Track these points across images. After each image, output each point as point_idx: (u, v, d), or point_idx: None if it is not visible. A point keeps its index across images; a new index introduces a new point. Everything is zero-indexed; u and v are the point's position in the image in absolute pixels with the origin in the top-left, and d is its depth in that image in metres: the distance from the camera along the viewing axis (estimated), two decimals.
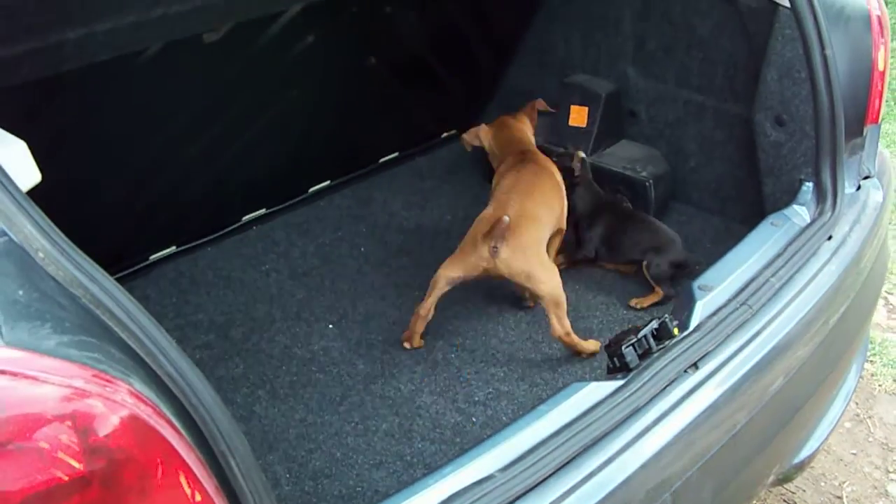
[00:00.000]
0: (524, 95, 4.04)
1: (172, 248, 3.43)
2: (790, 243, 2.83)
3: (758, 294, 2.60)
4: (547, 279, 2.88)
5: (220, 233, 3.51)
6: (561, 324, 2.89)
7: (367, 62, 3.48)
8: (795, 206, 3.03)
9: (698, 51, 3.50)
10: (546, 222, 3.05)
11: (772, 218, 2.96)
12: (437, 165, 4.00)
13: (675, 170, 3.70)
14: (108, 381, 1.41)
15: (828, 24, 2.94)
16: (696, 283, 2.59)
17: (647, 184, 3.49)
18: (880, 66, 3.12)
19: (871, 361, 4.11)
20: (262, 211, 3.62)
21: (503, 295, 3.26)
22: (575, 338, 2.92)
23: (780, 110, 3.14)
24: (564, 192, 3.24)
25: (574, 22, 3.82)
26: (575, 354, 2.97)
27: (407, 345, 3.03)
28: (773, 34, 3.10)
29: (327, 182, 3.79)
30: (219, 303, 3.23)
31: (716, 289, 2.58)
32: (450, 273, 2.93)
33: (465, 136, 3.44)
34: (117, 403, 1.40)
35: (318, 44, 3.17)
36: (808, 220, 2.96)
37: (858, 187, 3.13)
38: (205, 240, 3.47)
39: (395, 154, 3.99)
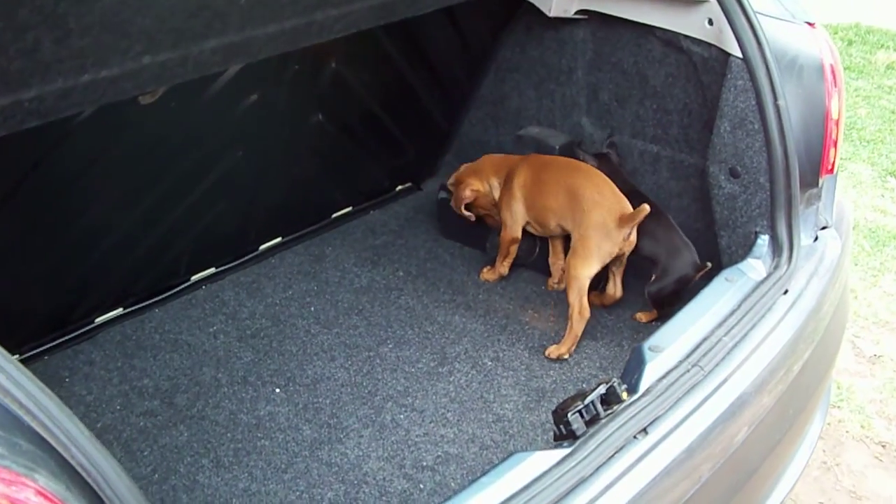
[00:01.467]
0: (480, 147, 4.01)
1: (119, 311, 3.34)
2: (745, 299, 2.78)
3: (710, 354, 2.54)
4: None
5: (168, 294, 3.42)
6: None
7: (315, 119, 3.41)
8: (751, 260, 2.98)
9: (652, 101, 3.46)
10: None
11: (726, 273, 2.90)
12: (391, 220, 3.93)
13: None
14: (11, 479, 1.36)
15: (780, 74, 2.91)
16: (647, 344, 2.53)
17: None
18: (834, 115, 3.09)
19: (837, 407, 4.06)
20: (211, 270, 3.54)
21: (455, 354, 3.19)
22: None
23: (734, 162, 3.09)
24: None
25: (527, 73, 3.77)
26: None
27: (566, 354, 3.19)
28: (725, 85, 3.06)
29: (278, 239, 3.71)
30: (165, 367, 3.14)
31: (666, 350, 2.52)
32: (590, 271, 3.16)
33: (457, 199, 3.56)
34: (20, 502, 1.34)
35: (260, 102, 3.10)
36: (764, 275, 2.91)
37: (816, 238, 3.10)
38: (152, 301, 3.39)
39: (348, 209, 3.92)
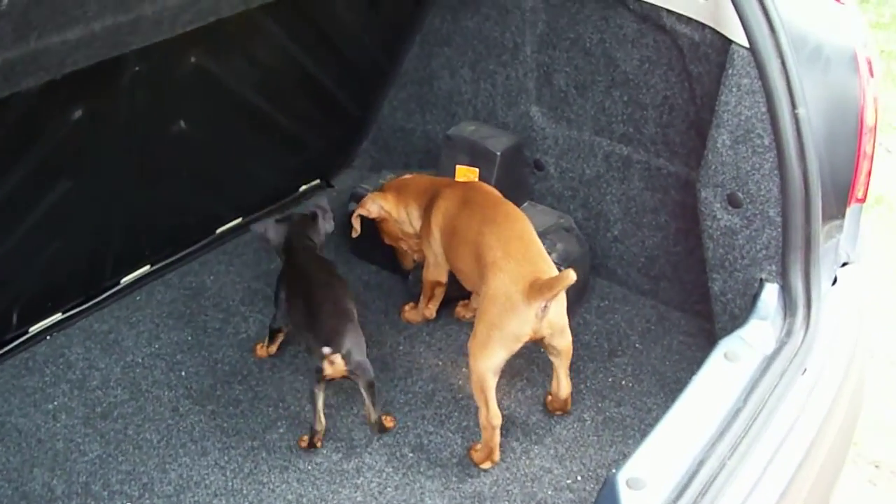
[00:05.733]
0: (403, 136, 3.23)
1: None
2: (752, 389, 2.07)
3: (712, 490, 1.84)
4: (568, 330, 2.40)
5: None
6: (568, 382, 2.47)
7: (175, 128, 2.56)
8: (756, 323, 2.27)
9: (622, 91, 2.67)
10: None
11: (725, 346, 2.18)
12: None
13: (593, 239, 2.88)
14: None
15: (800, 70, 2.14)
16: (622, 476, 1.82)
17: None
18: (869, 122, 2.33)
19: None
20: (58, 316, 2.72)
21: (366, 441, 2.42)
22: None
23: (735, 187, 2.33)
24: None
25: (460, 48, 2.94)
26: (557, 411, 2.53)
27: (488, 464, 2.35)
28: (725, 83, 2.28)
29: (146, 268, 2.89)
30: None
31: (649, 486, 1.81)
32: (493, 362, 2.29)
33: (359, 213, 2.72)
34: None
35: (88, 118, 2.24)
36: (774, 346, 2.20)
37: (835, 280, 2.37)
38: None
39: (237, 220, 3.09)
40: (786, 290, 2.29)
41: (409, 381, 2.61)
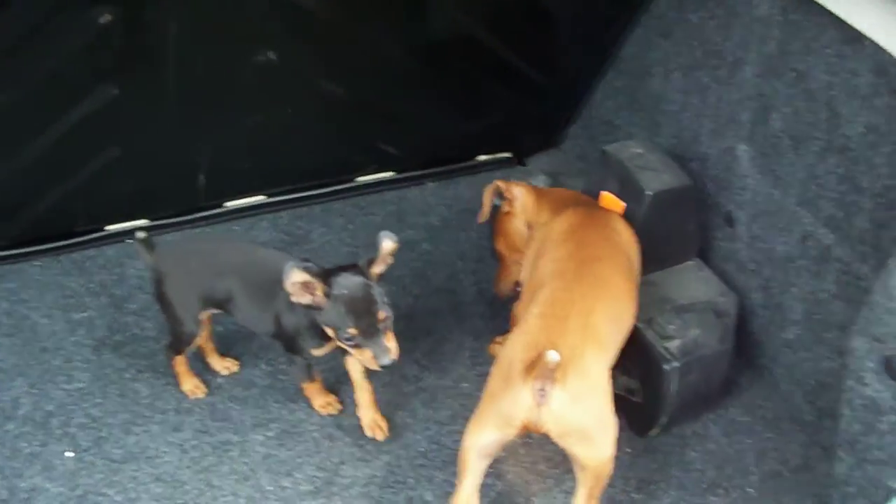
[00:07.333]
0: (610, 130, 2.65)
1: None
2: None
3: None
4: (605, 443, 1.77)
5: (61, 243, 2.47)
6: None
7: (261, 57, 2.16)
8: None
9: (839, 160, 1.93)
10: (615, 341, 1.88)
11: None
12: (441, 204, 2.67)
13: (764, 333, 2.18)
14: None
15: None
16: None
17: (666, 367, 2.00)
18: None
19: None
20: (143, 222, 2.50)
21: (349, 481, 1.98)
22: None
23: None
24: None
25: (677, 45, 2.30)
26: None
27: None
28: None
29: (259, 198, 2.59)
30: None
31: None
32: (479, 439, 1.79)
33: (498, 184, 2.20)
34: None
35: (119, 25, 1.92)
36: None
37: None
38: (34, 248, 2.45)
39: (386, 173, 2.68)
40: None
41: (450, 428, 2.11)
